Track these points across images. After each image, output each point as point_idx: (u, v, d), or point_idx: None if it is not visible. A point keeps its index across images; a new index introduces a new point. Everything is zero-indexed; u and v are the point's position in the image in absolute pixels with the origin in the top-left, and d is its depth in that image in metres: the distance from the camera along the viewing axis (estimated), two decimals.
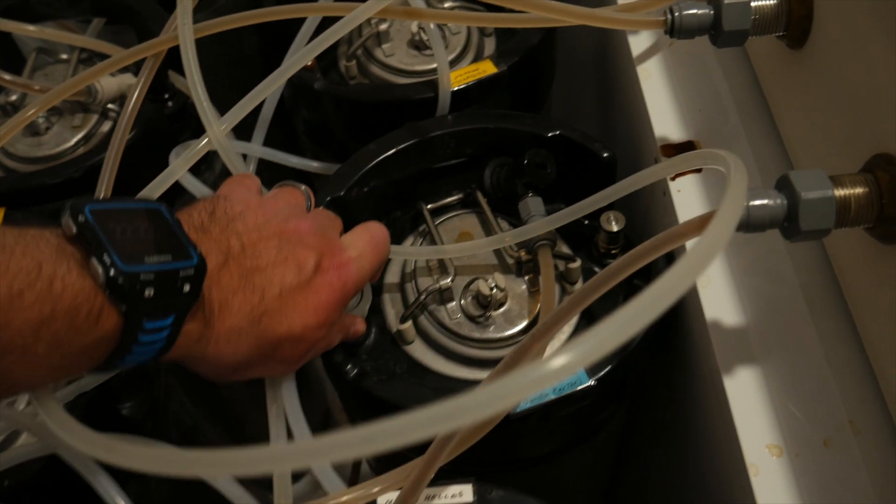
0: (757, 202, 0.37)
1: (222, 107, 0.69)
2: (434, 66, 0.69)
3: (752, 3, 0.45)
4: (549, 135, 0.60)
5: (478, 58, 0.72)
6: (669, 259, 0.53)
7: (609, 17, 0.47)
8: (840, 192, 0.37)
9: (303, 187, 0.51)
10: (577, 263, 0.57)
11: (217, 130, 0.53)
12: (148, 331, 0.35)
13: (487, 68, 0.64)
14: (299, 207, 0.48)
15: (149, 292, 0.34)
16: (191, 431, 0.68)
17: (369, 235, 0.49)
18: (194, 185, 0.58)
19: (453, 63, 0.70)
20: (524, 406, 0.48)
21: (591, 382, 0.49)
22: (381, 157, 0.60)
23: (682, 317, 0.53)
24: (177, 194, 0.57)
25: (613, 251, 0.59)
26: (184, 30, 0.51)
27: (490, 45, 0.73)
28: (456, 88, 0.63)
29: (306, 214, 0.47)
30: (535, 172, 0.58)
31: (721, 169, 0.36)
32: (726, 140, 0.54)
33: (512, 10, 0.50)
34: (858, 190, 0.37)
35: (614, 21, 0.47)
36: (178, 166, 0.52)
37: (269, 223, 0.44)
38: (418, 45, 0.70)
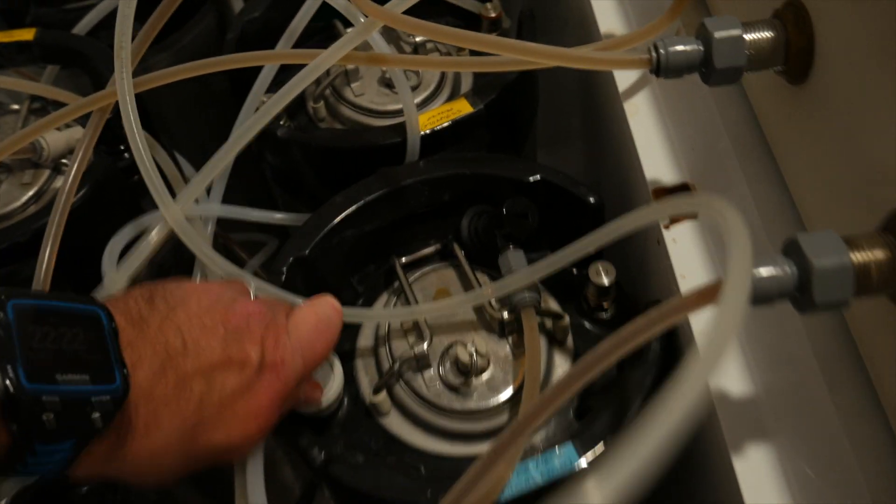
0: (763, 274, 0.32)
1: (194, 145, 0.65)
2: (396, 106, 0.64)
3: (746, 37, 0.40)
4: (531, 179, 0.55)
5: (454, 94, 0.67)
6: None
7: (589, 58, 0.42)
8: (858, 258, 0.32)
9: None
10: (566, 321, 0.52)
11: (174, 211, 0.48)
12: (39, 453, 0.31)
13: (462, 108, 0.59)
14: (244, 291, 0.44)
15: (48, 417, 0.30)
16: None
17: (315, 318, 0.44)
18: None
19: (427, 101, 0.66)
20: (507, 493, 0.43)
21: (584, 465, 0.44)
22: (349, 211, 0.55)
23: None
24: None
25: (605, 304, 0.54)
26: (122, 87, 0.46)
27: (467, 81, 0.69)
28: (429, 131, 0.59)
29: (250, 298, 0.43)
30: (516, 223, 0.53)
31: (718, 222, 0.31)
32: (724, 182, 0.49)
33: (483, 53, 0.45)
34: (879, 254, 0.32)
35: (594, 61, 0.43)
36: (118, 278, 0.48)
37: (213, 308, 0.39)
38: (389, 83, 0.66)
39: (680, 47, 0.40)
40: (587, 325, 0.54)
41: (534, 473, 0.44)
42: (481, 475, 0.35)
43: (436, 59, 0.63)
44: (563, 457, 0.44)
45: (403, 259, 0.58)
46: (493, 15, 0.68)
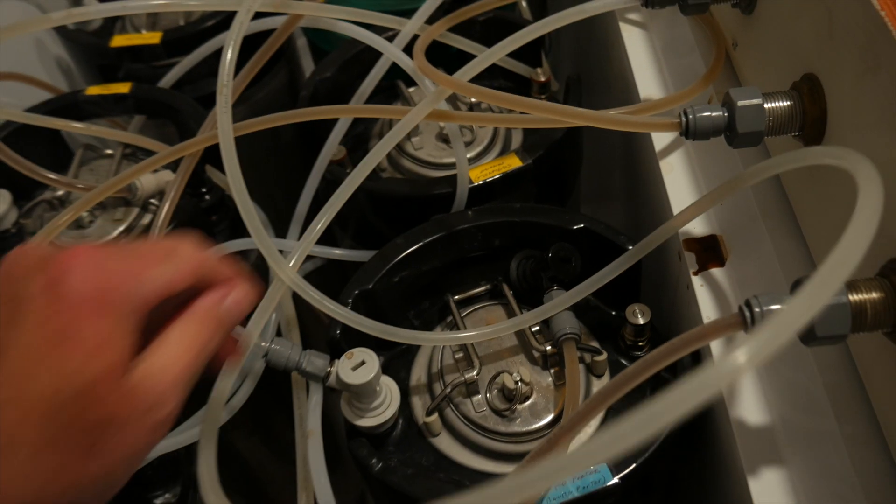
0: (769, 306, 0.37)
1: (261, 191, 0.71)
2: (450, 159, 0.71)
3: (766, 105, 0.46)
4: (574, 228, 0.61)
5: (505, 149, 0.74)
6: (695, 356, 0.53)
7: (624, 121, 0.48)
8: (855, 298, 0.37)
9: None
10: (604, 356, 0.57)
11: (287, 271, 0.53)
12: None
13: (513, 162, 0.66)
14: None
15: None
16: None
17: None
18: None
19: (480, 156, 0.72)
20: (547, 502, 0.48)
21: (616, 480, 0.49)
22: (408, 251, 0.61)
23: (710, 415, 0.52)
24: None
25: (640, 343, 0.59)
26: (225, 137, 0.53)
27: (517, 137, 0.75)
28: (481, 182, 0.65)
29: None
30: (560, 266, 0.59)
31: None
32: (749, 236, 0.55)
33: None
34: (874, 295, 0.37)
35: (630, 124, 0.49)
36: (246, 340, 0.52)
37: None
38: (446, 138, 0.72)
39: (707, 113, 0.46)
40: (624, 362, 0.59)
41: (570, 487, 0.49)
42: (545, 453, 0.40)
43: (489, 115, 0.69)
44: (598, 474, 0.49)
45: (456, 297, 0.64)
46: (542, 79, 0.75)
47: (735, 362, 0.29)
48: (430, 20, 0.68)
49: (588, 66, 0.89)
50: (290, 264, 0.54)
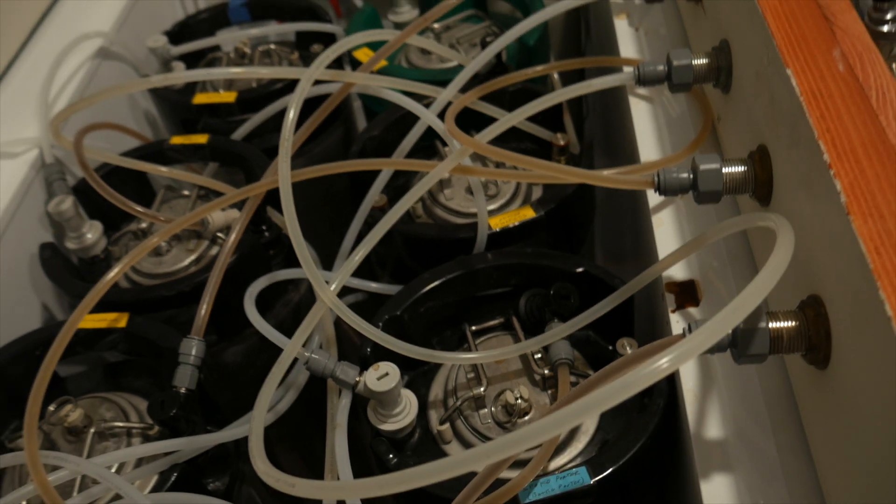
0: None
1: (314, 233, 0.83)
2: (488, 208, 0.81)
3: (724, 170, 0.55)
4: (577, 270, 0.71)
5: (526, 202, 0.84)
6: None
7: (607, 178, 0.58)
8: (774, 325, 0.46)
9: None
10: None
11: (329, 294, 0.64)
12: None
13: (527, 213, 0.76)
14: None
15: None
16: None
17: None
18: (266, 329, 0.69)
19: (504, 206, 0.82)
20: (532, 497, 0.57)
21: (591, 482, 0.57)
22: (432, 285, 0.72)
23: (679, 430, 0.61)
24: None
25: None
26: (284, 182, 0.64)
27: (538, 192, 0.85)
28: (499, 229, 0.75)
29: None
30: (560, 302, 0.68)
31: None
32: (720, 280, 0.63)
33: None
34: (791, 324, 0.46)
35: (611, 181, 0.58)
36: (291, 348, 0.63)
37: None
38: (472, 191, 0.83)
39: (675, 175, 0.56)
40: None
41: (553, 485, 0.57)
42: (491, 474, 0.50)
43: (501, 171, 0.79)
44: (578, 476, 0.57)
45: (473, 327, 0.73)
46: (561, 143, 0.85)
47: (660, 365, 0.38)
48: (467, 89, 0.79)
49: (611, 131, 0.99)
50: (332, 288, 0.65)
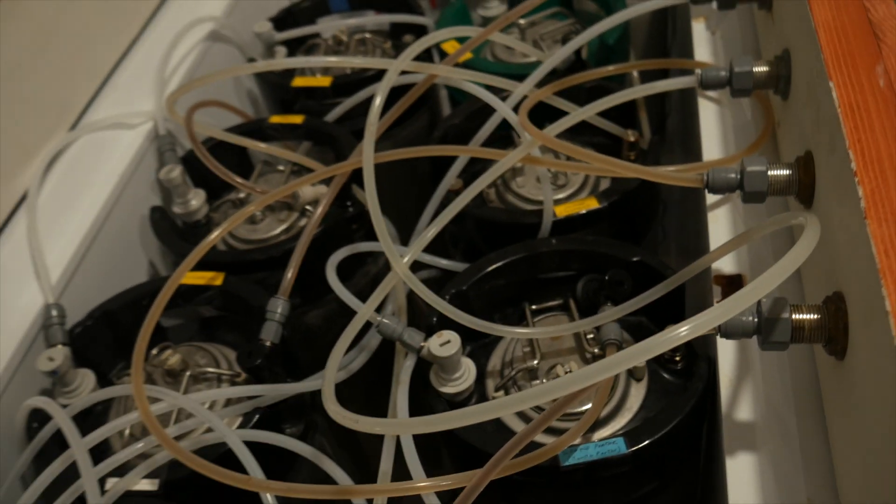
0: (733, 322, 0.51)
1: (398, 212, 0.90)
2: (556, 197, 0.87)
3: (769, 172, 0.59)
4: (633, 259, 0.76)
5: (593, 192, 0.89)
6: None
7: (657, 174, 0.63)
8: (796, 316, 0.50)
9: None
10: (643, 363, 0.71)
11: (401, 265, 0.70)
12: None
13: (591, 204, 0.81)
14: None
15: None
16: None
17: None
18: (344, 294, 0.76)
19: (572, 196, 0.87)
20: (571, 461, 0.62)
21: (626, 451, 0.62)
22: (497, 265, 0.78)
23: (717, 416, 0.65)
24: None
25: (676, 358, 0.72)
26: (367, 163, 0.71)
27: (605, 183, 0.90)
28: (563, 217, 0.80)
29: None
30: (614, 288, 0.73)
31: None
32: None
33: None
34: (812, 316, 0.50)
35: (662, 177, 0.63)
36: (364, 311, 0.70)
37: None
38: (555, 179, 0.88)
39: (723, 174, 0.60)
40: (662, 372, 0.73)
41: (592, 451, 0.63)
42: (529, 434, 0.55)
43: (564, 162, 0.84)
44: (615, 444, 0.63)
45: (533, 306, 0.79)
46: (631, 139, 0.89)
47: (679, 333, 0.44)
48: (545, 84, 0.84)
49: (688, 129, 1.02)
50: (404, 261, 0.71)
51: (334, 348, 0.64)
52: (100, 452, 0.71)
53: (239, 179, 0.87)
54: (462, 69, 0.81)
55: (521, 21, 1.10)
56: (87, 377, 0.78)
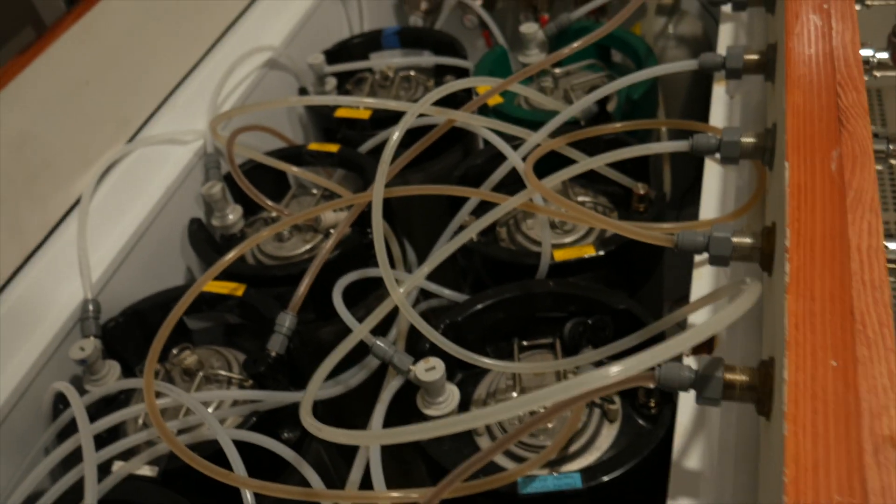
0: (669, 371, 0.55)
1: (426, 237, 0.95)
2: (561, 241, 0.91)
3: (734, 239, 0.63)
4: (619, 307, 0.80)
5: (598, 239, 0.93)
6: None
7: (630, 230, 0.67)
8: (728, 376, 0.54)
9: None
10: (616, 405, 0.75)
11: (397, 294, 0.76)
12: None
13: (588, 251, 0.86)
14: None
15: None
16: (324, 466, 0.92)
17: None
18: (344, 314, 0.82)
19: (577, 241, 0.92)
20: (529, 489, 0.67)
21: (581, 487, 0.66)
22: (494, 300, 0.83)
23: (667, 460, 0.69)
24: None
25: (651, 403, 0.76)
26: (376, 197, 0.78)
27: (616, 216, 0.94)
28: (561, 261, 0.85)
29: None
30: (597, 332, 0.78)
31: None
32: (732, 334, 0.71)
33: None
34: (744, 377, 0.54)
35: (635, 233, 0.67)
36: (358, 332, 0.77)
37: None
38: (553, 224, 0.93)
39: (692, 237, 0.64)
40: (636, 415, 0.76)
41: (550, 483, 0.67)
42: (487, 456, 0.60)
43: (556, 210, 0.88)
44: (572, 479, 0.67)
45: (524, 342, 0.84)
46: (640, 192, 0.94)
47: (608, 373, 0.49)
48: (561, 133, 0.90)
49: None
50: (401, 290, 0.77)
51: (322, 364, 0.70)
52: (115, 437, 0.78)
53: (268, 202, 0.94)
54: (478, 116, 0.87)
55: (557, 70, 1.15)
56: (113, 368, 0.86)
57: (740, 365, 0.55)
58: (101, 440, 0.76)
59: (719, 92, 0.98)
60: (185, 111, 1.09)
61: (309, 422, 0.60)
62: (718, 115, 0.95)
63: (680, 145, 0.75)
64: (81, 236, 0.91)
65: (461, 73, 1.19)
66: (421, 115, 0.82)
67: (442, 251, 0.80)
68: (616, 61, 1.21)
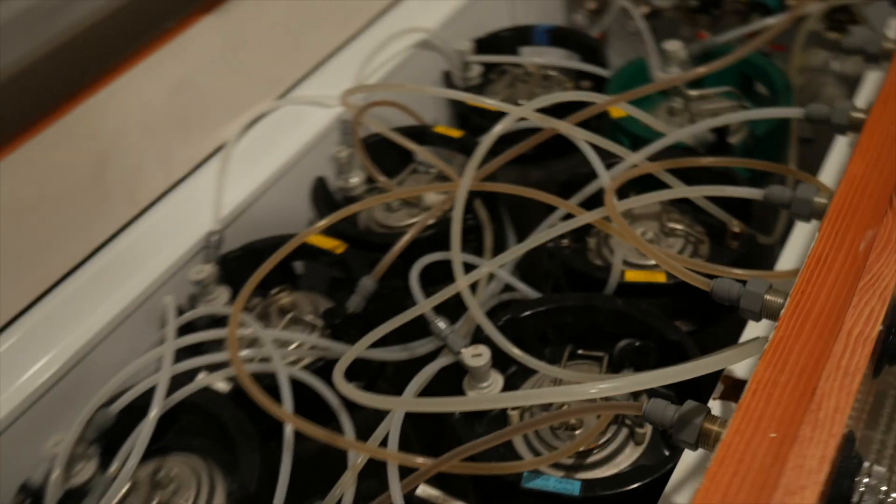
0: (655, 406, 0.59)
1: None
2: (640, 262, 0.94)
3: (765, 297, 0.65)
4: (671, 338, 0.82)
5: (694, 255, 0.95)
6: None
7: (674, 267, 0.70)
8: (706, 425, 0.57)
9: None
10: (645, 430, 0.78)
11: (461, 282, 0.82)
12: None
13: (658, 277, 0.88)
14: None
15: None
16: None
17: None
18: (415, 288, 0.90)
19: (656, 265, 0.94)
20: (530, 484, 0.72)
21: (577, 495, 0.71)
22: (555, 306, 0.88)
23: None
24: None
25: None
26: (462, 189, 0.84)
27: (706, 248, 0.95)
28: (630, 281, 0.88)
29: None
30: (641, 357, 0.81)
31: None
32: None
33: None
34: (720, 429, 0.57)
35: (679, 272, 0.70)
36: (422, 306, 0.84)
37: None
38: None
39: (727, 286, 0.66)
40: (661, 445, 0.79)
41: (550, 483, 0.72)
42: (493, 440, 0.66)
43: (618, 229, 0.91)
44: (572, 486, 0.72)
45: (580, 351, 0.88)
46: (735, 230, 0.94)
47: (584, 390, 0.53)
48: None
49: None
50: (465, 278, 0.84)
51: (372, 331, 0.78)
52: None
53: (379, 174, 1.03)
54: (578, 128, 0.91)
55: (693, 92, 1.15)
56: (223, 293, 0.99)
57: (723, 417, 0.58)
58: (197, 350, 0.90)
59: (841, 143, 0.96)
60: (334, 77, 1.19)
61: (338, 380, 0.69)
62: (832, 168, 0.93)
63: (754, 193, 0.76)
64: (220, 176, 1.04)
65: (597, 80, 1.22)
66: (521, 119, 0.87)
67: (516, 249, 0.86)
68: (760, 92, 1.20)
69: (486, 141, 0.86)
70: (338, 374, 0.70)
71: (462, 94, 0.97)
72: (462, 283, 0.83)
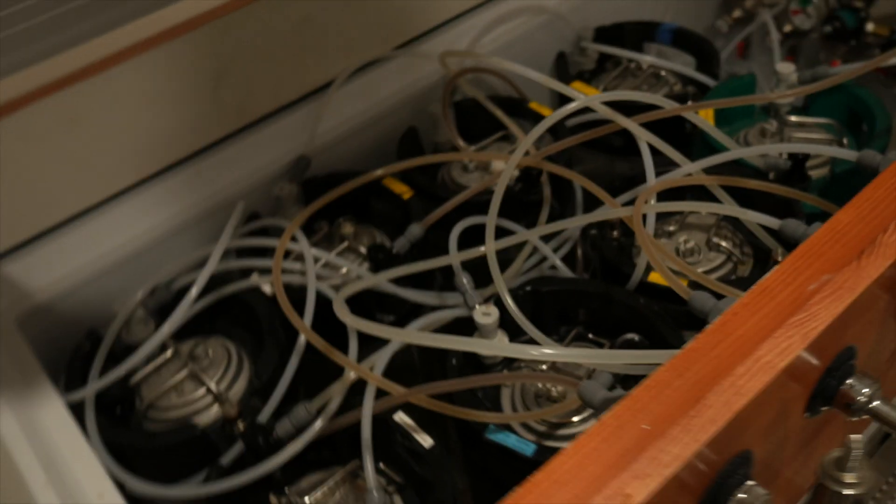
0: (588, 387, 0.64)
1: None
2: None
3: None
4: (673, 343, 0.86)
5: (731, 274, 0.96)
6: None
7: (669, 276, 0.74)
8: None
9: None
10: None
11: (490, 245, 0.91)
12: None
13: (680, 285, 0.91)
14: None
15: None
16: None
17: None
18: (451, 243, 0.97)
19: (711, 272, 0.96)
20: (491, 436, 0.79)
21: (530, 456, 0.77)
22: (575, 288, 0.93)
23: None
24: None
25: None
26: (510, 165, 0.91)
27: (746, 269, 0.97)
28: (651, 282, 0.92)
29: None
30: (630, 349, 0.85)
31: None
32: None
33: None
34: None
35: (670, 279, 0.74)
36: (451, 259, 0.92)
37: None
38: (684, 253, 0.98)
39: (702, 300, 0.70)
40: None
41: (510, 440, 0.78)
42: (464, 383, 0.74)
43: (645, 236, 0.94)
44: (527, 447, 0.78)
45: (590, 335, 0.93)
46: (778, 258, 0.95)
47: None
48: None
49: None
50: (496, 242, 0.90)
51: (398, 267, 0.87)
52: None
53: (458, 137, 1.11)
54: (640, 128, 0.94)
55: (793, 118, 1.14)
56: (294, 211, 1.10)
57: None
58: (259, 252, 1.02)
59: None
60: (453, 38, 1.27)
61: (338, 305, 0.78)
62: None
63: (771, 222, 0.78)
64: (322, 107, 1.15)
65: (702, 87, 1.23)
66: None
67: (549, 226, 0.92)
68: (865, 129, 1.17)
69: (546, 121, 0.91)
70: (339, 299, 0.80)
71: (537, 75, 1.02)
72: (491, 245, 0.90)
